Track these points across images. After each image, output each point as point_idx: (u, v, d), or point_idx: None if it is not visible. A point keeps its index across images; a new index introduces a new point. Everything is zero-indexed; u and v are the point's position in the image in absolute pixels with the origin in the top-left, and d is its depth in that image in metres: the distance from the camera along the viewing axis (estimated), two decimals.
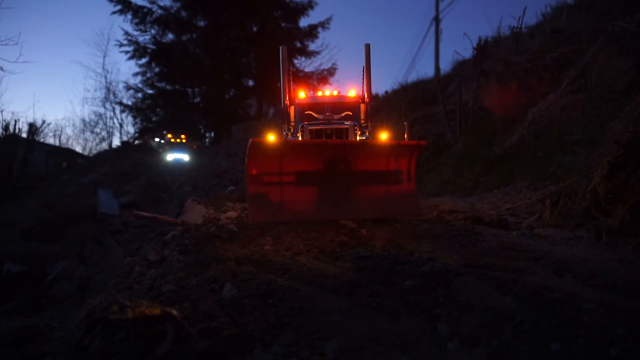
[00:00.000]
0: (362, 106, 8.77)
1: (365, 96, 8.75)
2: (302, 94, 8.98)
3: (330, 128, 7.94)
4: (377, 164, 7.32)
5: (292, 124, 8.79)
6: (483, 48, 14.34)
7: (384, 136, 8.30)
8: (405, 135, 8.62)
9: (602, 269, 4.44)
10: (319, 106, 8.68)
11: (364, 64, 8.53)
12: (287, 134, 8.66)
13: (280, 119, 9.44)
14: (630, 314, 3.36)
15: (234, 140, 25.89)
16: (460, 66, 20.41)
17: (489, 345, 3.11)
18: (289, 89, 8.79)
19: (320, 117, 8.03)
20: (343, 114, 8.59)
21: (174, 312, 3.27)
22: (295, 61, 37.00)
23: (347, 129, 7.91)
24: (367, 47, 8.52)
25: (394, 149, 7.32)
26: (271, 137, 7.53)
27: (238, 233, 6.21)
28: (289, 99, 8.87)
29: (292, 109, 8.93)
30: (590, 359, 2.93)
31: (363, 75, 8.71)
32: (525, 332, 3.21)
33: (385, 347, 3.12)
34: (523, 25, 15.35)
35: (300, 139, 8.12)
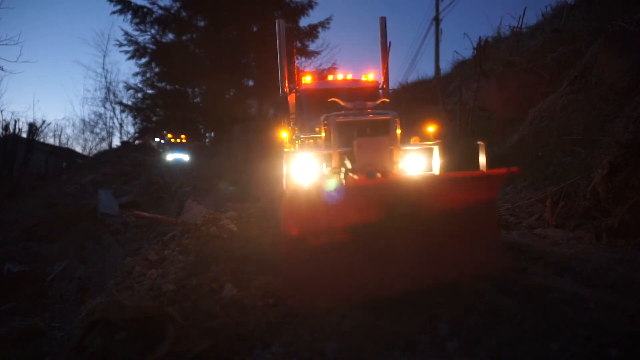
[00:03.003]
0: (379, 94, 7.25)
1: (384, 81, 7.42)
2: (308, 78, 7.50)
3: (364, 120, 5.73)
4: (456, 201, 4.56)
5: (293, 116, 7.64)
6: (483, 48, 14.33)
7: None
8: (482, 159, 5.56)
9: (602, 269, 4.44)
10: (330, 93, 6.90)
11: (379, 41, 7.48)
12: (295, 137, 7.17)
13: (283, 113, 8.07)
14: (630, 314, 3.36)
15: (234, 140, 25.84)
16: (460, 66, 20.41)
17: (489, 345, 3.11)
18: (289, 72, 7.63)
19: (350, 105, 5.82)
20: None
21: (174, 312, 3.27)
22: (296, 61, 36.97)
23: (388, 121, 5.72)
24: (383, 21, 7.45)
25: (479, 180, 4.72)
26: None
27: (238, 233, 6.21)
28: (290, 85, 7.67)
29: (292, 98, 7.71)
30: (590, 359, 2.93)
31: (383, 55, 7.38)
32: (525, 332, 3.21)
33: (385, 347, 3.12)
34: (523, 25, 15.36)
35: (305, 135, 6.63)
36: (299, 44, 36.71)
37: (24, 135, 30.15)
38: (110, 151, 40.88)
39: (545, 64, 11.75)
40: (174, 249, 5.94)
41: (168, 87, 39.40)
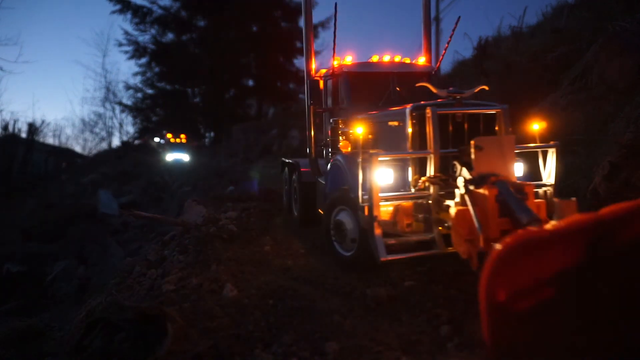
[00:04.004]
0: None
1: (437, 66, 6.61)
2: (349, 58, 6.26)
3: (462, 114, 4.55)
4: None
5: (325, 107, 6.72)
6: (483, 48, 14.32)
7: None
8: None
9: None
10: (380, 78, 6.10)
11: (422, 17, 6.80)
12: (325, 136, 6.41)
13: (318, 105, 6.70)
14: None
15: (234, 140, 25.88)
16: (461, 66, 20.40)
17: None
18: (313, 54, 6.65)
19: (443, 92, 4.61)
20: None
21: (174, 312, 3.26)
22: (295, 61, 37.04)
23: (498, 114, 4.65)
24: None
25: None
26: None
27: (238, 233, 6.20)
28: (319, 69, 6.78)
29: (321, 84, 6.77)
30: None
31: (425, 32, 6.64)
32: None
33: (386, 347, 3.11)
34: (523, 25, 15.35)
35: (344, 130, 5.78)
36: (299, 44, 36.75)
37: (24, 135, 30.20)
38: (110, 151, 40.91)
39: (546, 64, 11.75)
40: (174, 249, 5.93)
41: (168, 87, 39.44)
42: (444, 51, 6.61)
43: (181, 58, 35.95)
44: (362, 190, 4.18)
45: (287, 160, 8.38)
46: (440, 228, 4.14)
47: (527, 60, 12.83)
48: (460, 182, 3.88)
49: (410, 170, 4.53)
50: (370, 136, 5.21)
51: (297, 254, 5.47)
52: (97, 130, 44.37)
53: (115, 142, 44.18)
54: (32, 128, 30.80)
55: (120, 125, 44.47)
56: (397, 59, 6.44)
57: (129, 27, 36.31)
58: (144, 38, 36.94)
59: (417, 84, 5.05)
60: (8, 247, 13.59)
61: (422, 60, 6.58)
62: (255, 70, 37.88)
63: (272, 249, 5.58)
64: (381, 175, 4.31)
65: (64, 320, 5.99)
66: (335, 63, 6.40)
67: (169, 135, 35.64)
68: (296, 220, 7.19)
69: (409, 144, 4.51)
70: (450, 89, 4.63)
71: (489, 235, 3.47)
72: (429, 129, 4.39)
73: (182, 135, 35.36)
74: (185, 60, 35.98)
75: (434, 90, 4.72)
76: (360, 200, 4.19)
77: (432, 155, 4.31)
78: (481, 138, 4.05)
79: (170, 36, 37.64)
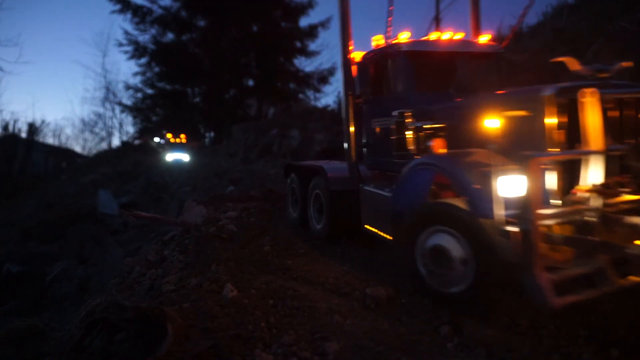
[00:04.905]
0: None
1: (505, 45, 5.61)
2: (404, 36, 5.06)
3: (620, 98, 3.61)
4: None
5: (374, 95, 5.43)
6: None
7: None
8: None
9: None
10: (444, 59, 5.05)
11: None
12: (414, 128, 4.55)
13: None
14: (630, 314, 3.35)
15: (234, 140, 25.85)
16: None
17: (489, 346, 3.11)
18: (351, 30, 5.50)
19: (587, 69, 3.57)
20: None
21: (174, 312, 3.26)
22: (295, 61, 37.04)
23: None
24: None
25: None
26: None
27: (238, 233, 6.20)
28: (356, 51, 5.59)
29: (363, 69, 5.60)
30: (591, 359, 2.92)
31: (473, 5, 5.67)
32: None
33: (386, 347, 3.11)
34: (523, 25, 15.34)
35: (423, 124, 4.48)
36: (299, 44, 36.76)
37: (24, 135, 30.21)
38: (110, 151, 40.89)
39: (546, 64, 11.73)
40: (174, 249, 5.93)
41: (168, 87, 39.43)
42: (516, 26, 5.73)
43: (181, 58, 35.95)
44: (500, 205, 3.07)
45: (298, 164, 7.39)
46: (605, 257, 3.00)
47: (528, 60, 12.82)
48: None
49: (551, 176, 3.38)
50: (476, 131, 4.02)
51: (297, 254, 5.47)
52: (97, 130, 44.39)
53: (115, 142, 44.20)
54: (32, 128, 30.86)
55: (120, 125, 44.50)
56: (458, 36, 5.31)
57: (129, 27, 36.35)
58: (144, 38, 36.97)
59: (553, 60, 3.92)
60: (8, 247, 13.59)
61: (484, 38, 5.41)
62: (255, 70, 37.87)
63: (272, 249, 5.58)
64: (513, 184, 3.20)
65: (64, 320, 5.98)
66: (378, 42, 5.35)
67: (169, 135, 35.62)
68: (319, 234, 6.20)
69: (547, 140, 3.39)
70: (593, 65, 3.58)
71: None
72: (589, 119, 3.26)
73: (182, 135, 35.35)
74: (185, 60, 35.99)
75: (574, 66, 3.62)
76: (497, 220, 3.08)
77: (595, 155, 3.24)
78: None
79: (170, 36, 37.66)
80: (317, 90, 36.75)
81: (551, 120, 3.39)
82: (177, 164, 29.62)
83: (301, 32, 36.60)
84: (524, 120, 3.60)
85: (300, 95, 37.73)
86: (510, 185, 3.19)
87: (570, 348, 3.03)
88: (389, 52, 5.15)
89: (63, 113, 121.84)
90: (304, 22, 36.77)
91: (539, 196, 2.95)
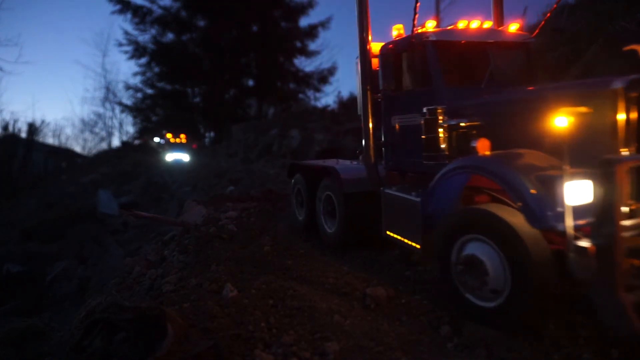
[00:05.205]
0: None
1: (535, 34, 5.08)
2: (430, 24, 4.69)
3: None
4: None
5: (399, 90, 4.85)
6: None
7: None
8: None
9: None
10: (473, 50, 4.57)
11: None
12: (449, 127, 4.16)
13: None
14: None
15: (234, 140, 25.86)
16: None
17: (489, 346, 3.11)
18: (369, 20, 4.96)
19: None
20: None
21: (174, 312, 3.26)
22: (295, 61, 37.06)
23: None
24: None
25: None
26: None
27: (238, 233, 6.20)
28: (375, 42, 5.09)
29: (383, 61, 5.01)
30: (590, 359, 2.92)
31: None
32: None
33: (386, 347, 3.11)
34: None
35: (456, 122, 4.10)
36: (299, 44, 36.79)
37: (24, 135, 30.22)
38: (110, 151, 40.90)
39: (546, 64, 11.73)
40: (174, 249, 5.93)
41: (168, 87, 39.47)
42: (548, 14, 5.26)
43: (181, 58, 35.98)
44: (570, 215, 2.72)
45: (305, 164, 6.90)
46: None
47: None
48: None
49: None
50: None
51: (297, 254, 5.46)
52: (97, 130, 44.40)
53: (115, 142, 44.23)
54: (32, 128, 30.87)
55: (120, 125, 44.52)
56: (487, 25, 4.90)
57: (129, 27, 36.41)
58: (144, 38, 37.01)
59: (625, 48, 3.66)
60: (8, 247, 13.59)
61: (513, 27, 4.91)
62: (255, 70, 37.89)
63: (272, 249, 5.57)
64: (583, 191, 2.84)
65: (64, 320, 5.98)
66: (400, 32, 4.93)
67: (168, 135, 35.63)
68: (331, 240, 5.88)
69: (618, 141, 3.05)
70: None
71: None
72: None
73: (182, 135, 35.35)
74: (185, 60, 36.01)
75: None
76: (567, 232, 2.73)
77: None
78: None
79: (170, 36, 37.70)
80: (317, 90, 36.87)
81: (621, 117, 3.00)
82: (177, 164, 29.62)
83: (301, 32, 36.63)
84: (588, 118, 3.15)
85: (300, 95, 37.80)
86: (580, 193, 2.82)
87: (570, 348, 3.03)
88: (414, 43, 4.57)
89: (63, 113, 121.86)
90: (304, 22, 36.82)
91: (622, 206, 2.58)
